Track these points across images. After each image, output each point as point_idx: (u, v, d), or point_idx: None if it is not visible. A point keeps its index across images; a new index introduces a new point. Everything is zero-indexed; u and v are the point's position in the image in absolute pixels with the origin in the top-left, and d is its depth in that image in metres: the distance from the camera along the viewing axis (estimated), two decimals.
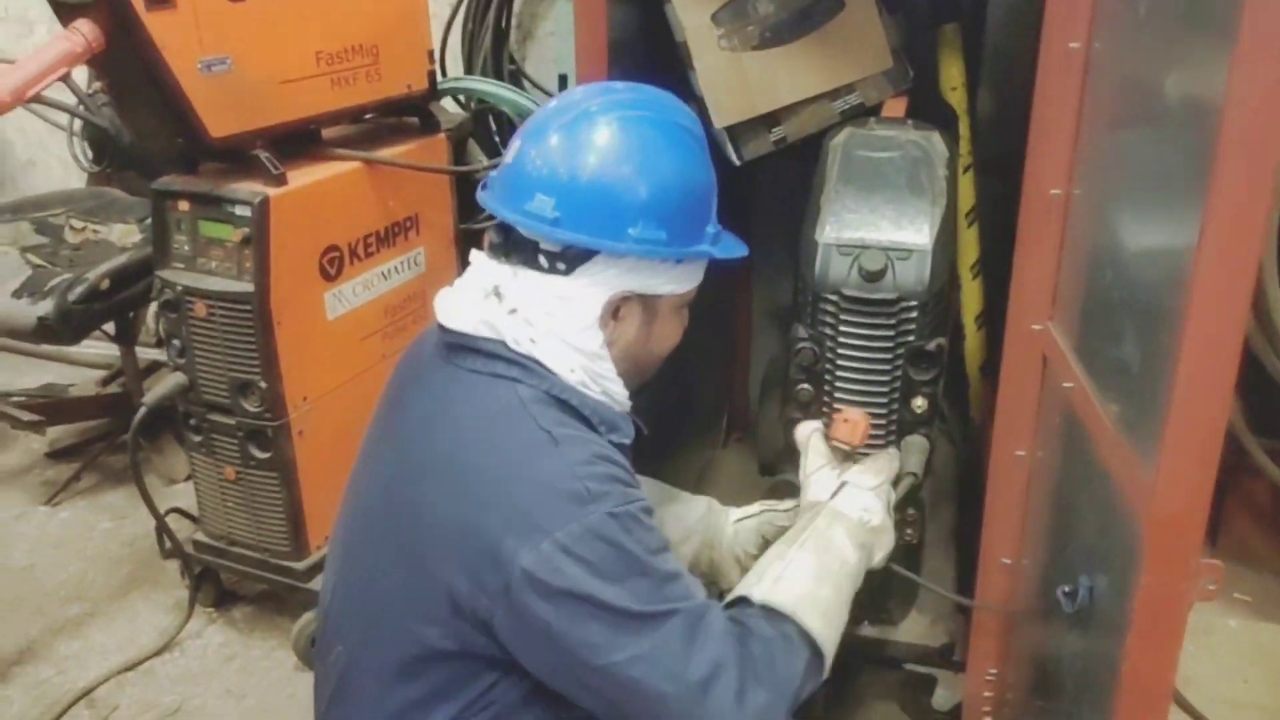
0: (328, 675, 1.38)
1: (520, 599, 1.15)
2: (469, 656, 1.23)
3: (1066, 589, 1.39)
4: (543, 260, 1.27)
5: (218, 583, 2.65)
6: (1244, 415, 2.42)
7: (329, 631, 1.39)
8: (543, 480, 1.19)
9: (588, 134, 1.27)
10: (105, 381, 3.62)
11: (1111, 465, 1.23)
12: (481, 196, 1.34)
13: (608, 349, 1.31)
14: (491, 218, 1.32)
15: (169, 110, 2.07)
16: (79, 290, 2.72)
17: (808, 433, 1.67)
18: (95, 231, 3.16)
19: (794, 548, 1.41)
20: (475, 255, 1.35)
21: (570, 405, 1.28)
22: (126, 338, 3.13)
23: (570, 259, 1.26)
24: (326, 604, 1.41)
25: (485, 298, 1.29)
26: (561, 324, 1.27)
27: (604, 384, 1.32)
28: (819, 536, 1.43)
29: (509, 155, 1.32)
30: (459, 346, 1.30)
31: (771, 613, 1.31)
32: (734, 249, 1.40)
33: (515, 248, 1.28)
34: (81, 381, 3.66)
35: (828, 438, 1.67)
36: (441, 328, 1.33)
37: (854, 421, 1.65)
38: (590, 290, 1.28)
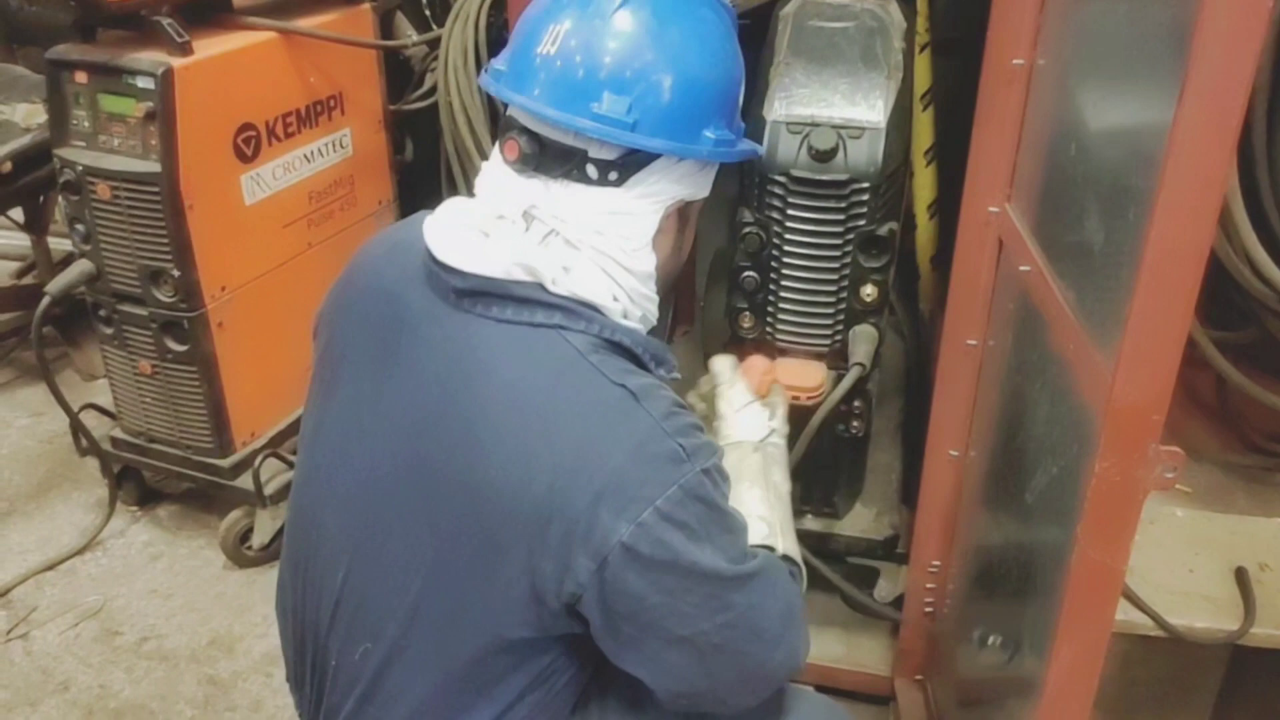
0: (353, 672, 1.20)
1: (616, 574, 1.03)
2: (539, 639, 1.12)
3: (992, 639, 1.46)
4: (591, 171, 1.09)
5: (140, 481, 2.55)
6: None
7: (346, 629, 1.20)
8: (635, 443, 1.04)
9: (660, 19, 1.10)
10: (20, 274, 3.43)
11: (1067, 351, 1.16)
12: (520, 99, 1.11)
13: (652, 262, 1.16)
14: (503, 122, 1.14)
15: None
16: None
17: (726, 366, 1.51)
18: None
19: (768, 498, 1.33)
20: (494, 166, 1.15)
21: (624, 347, 1.13)
22: (37, 226, 2.95)
23: (625, 168, 1.10)
24: (336, 595, 1.20)
25: (513, 224, 1.11)
26: (614, 244, 1.11)
27: (645, 307, 1.18)
28: (777, 489, 1.37)
29: (549, 42, 1.10)
30: (478, 293, 1.09)
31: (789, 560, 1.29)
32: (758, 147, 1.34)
33: (556, 157, 1.10)
34: None
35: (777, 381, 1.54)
36: (444, 267, 1.11)
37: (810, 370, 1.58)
38: (646, 203, 1.13)
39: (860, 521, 2.03)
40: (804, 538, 2.00)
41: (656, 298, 1.19)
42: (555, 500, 1.02)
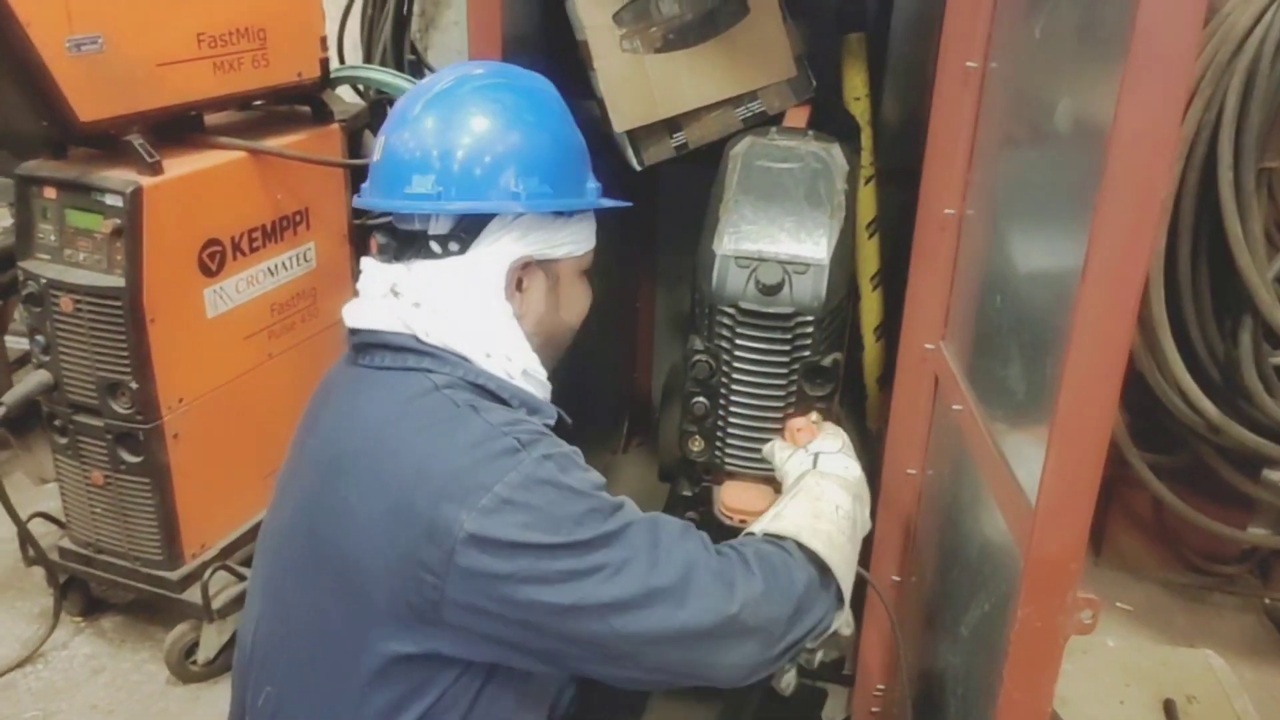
0: None
1: (467, 565, 1.07)
2: (416, 661, 1.14)
3: None
4: (435, 246, 1.23)
5: (86, 591, 2.51)
6: (1127, 428, 2.47)
7: (256, 674, 1.27)
8: (470, 443, 1.13)
9: (451, 108, 1.26)
10: None
11: (996, 494, 1.22)
12: (358, 201, 1.32)
13: (518, 322, 1.27)
14: (374, 222, 1.29)
15: (33, 91, 1.93)
16: None
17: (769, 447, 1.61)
18: None
19: (786, 500, 1.37)
20: (365, 262, 1.30)
21: (488, 390, 1.22)
22: None
23: (462, 237, 1.23)
24: (249, 648, 1.29)
25: (384, 298, 1.24)
26: (467, 304, 1.23)
27: (522, 361, 1.27)
28: (808, 490, 1.39)
29: (377, 151, 1.29)
30: (366, 345, 1.25)
31: (770, 537, 1.30)
32: (619, 203, 1.40)
33: (405, 243, 1.25)
34: None
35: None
36: (350, 332, 1.27)
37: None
38: (488, 262, 1.25)
39: None
40: None
41: (534, 353, 1.28)
42: (402, 511, 1.10)
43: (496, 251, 1.24)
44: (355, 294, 1.28)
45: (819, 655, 1.46)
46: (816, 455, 1.49)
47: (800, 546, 1.27)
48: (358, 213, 2.68)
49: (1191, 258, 2.26)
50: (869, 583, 1.56)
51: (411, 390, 1.18)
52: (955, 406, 1.44)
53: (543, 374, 1.31)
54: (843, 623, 1.34)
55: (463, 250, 1.23)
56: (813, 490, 1.38)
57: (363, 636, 1.15)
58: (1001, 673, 1.09)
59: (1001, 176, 1.37)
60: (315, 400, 1.34)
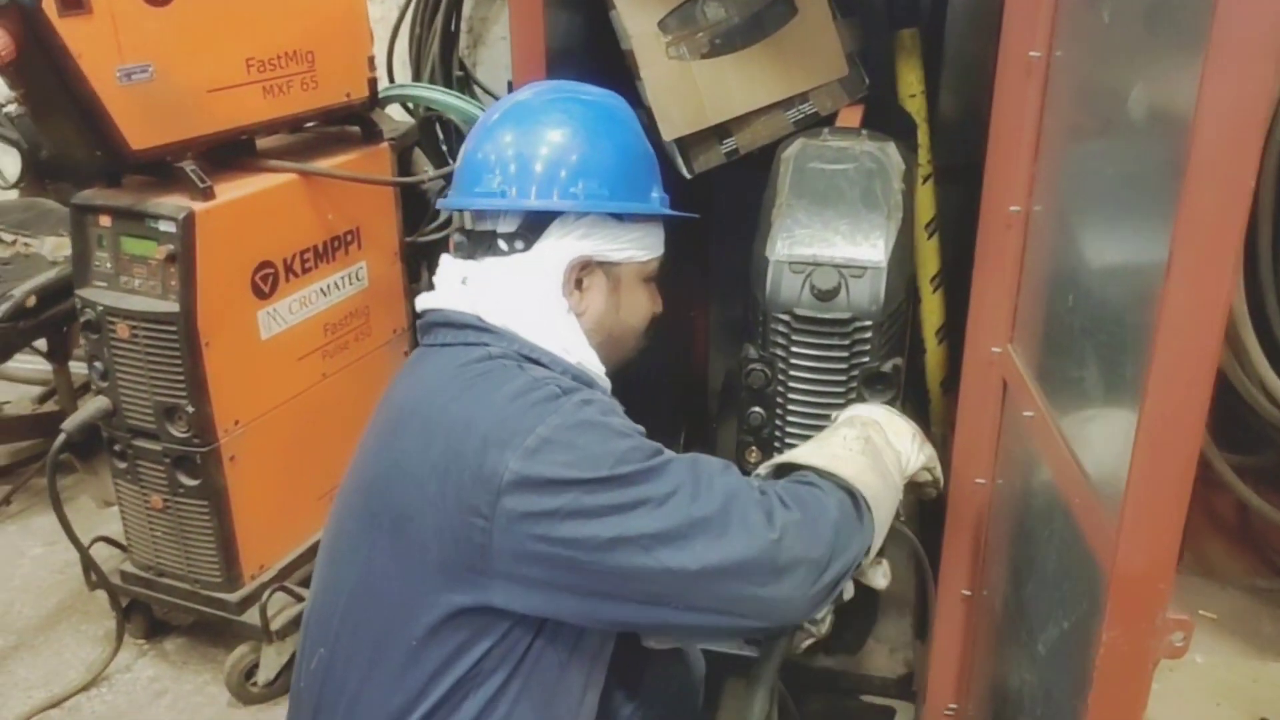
0: (310, 690, 1.30)
1: (514, 506, 1.11)
2: (465, 615, 1.17)
3: None
4: (502, 244, 1.31)
5: (149, 613, 2.53)
6: (1210, 430, 2.36)
7: (310, 639, 1.33)
8: (513, 394, 1.18)
9: (521, 116, 1.35)
10: (41, 399, 3.47)
11: (1074, 506, 1.15)
12: (440, 203, 1.45)
13: (576, 318, 1.32)
14: (454, 228, 1.38)
15: (86, 121, 1.95)
16: (4, 307, 2.58)
17: None
18: (26, 245, 3.01)
19: (801, 448, 1.39)
20: (443, 258, 1.39)
21: (541, 363, 1.27)
22: (59, 355, 2.99)
23: (526, 235, 1.31)
24: (307, 616, 1.36)
25: (455, 287, 1.33)
26: (529, 297, 1.29)
27: (578, 354, 1.31)
28: (826, 434, 1.42)
29: (459, 158, 1.39)
30: (431, 325, 1.33)
31: (786, 468, 1.34)
32: (682, 211, 1.44)
33: (477, 242, 1.34)
34: (16, 399, 3.51)
35: None
36: (419, 316, 1.36)
37: None
38: (549, 259, 1.31)
39: (874, 659, 1.99)
40: (816, 674, 1.98)
41: (593, 350, 1.33)
42: (450, 459, 1.15)
43: (558, 250, 1.31)
44: (416, 290, 1.36)
45: (806, 640, 1.44)
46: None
47: (822, 474, 1.30)
48: (409, 230, 2.68)
49: (1273, 247, 2.15)
50: (908, 538, 1.53)
51: (467, 358, 1.25)
52: (1026, 413, 1.37)
53: (599, 370, 1.34)
54: (879, 574, 1.39)
55: (527, 248, 1.31)
56: (822, 434, 1.43)
57: (414, 591, 1.18)
58: (1086, 699, 1.02)
59: (1070, 170, 1.30)
60: (386, 390, 1.39)
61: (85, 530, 2.65)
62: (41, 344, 3.05)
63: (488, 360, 1.24)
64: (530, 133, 1.33)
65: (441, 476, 1.15)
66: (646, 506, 1.12)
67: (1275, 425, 2.29)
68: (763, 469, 1.39)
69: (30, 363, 3.50)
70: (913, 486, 1.48)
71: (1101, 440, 1.13)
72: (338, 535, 1.32)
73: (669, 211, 1.42)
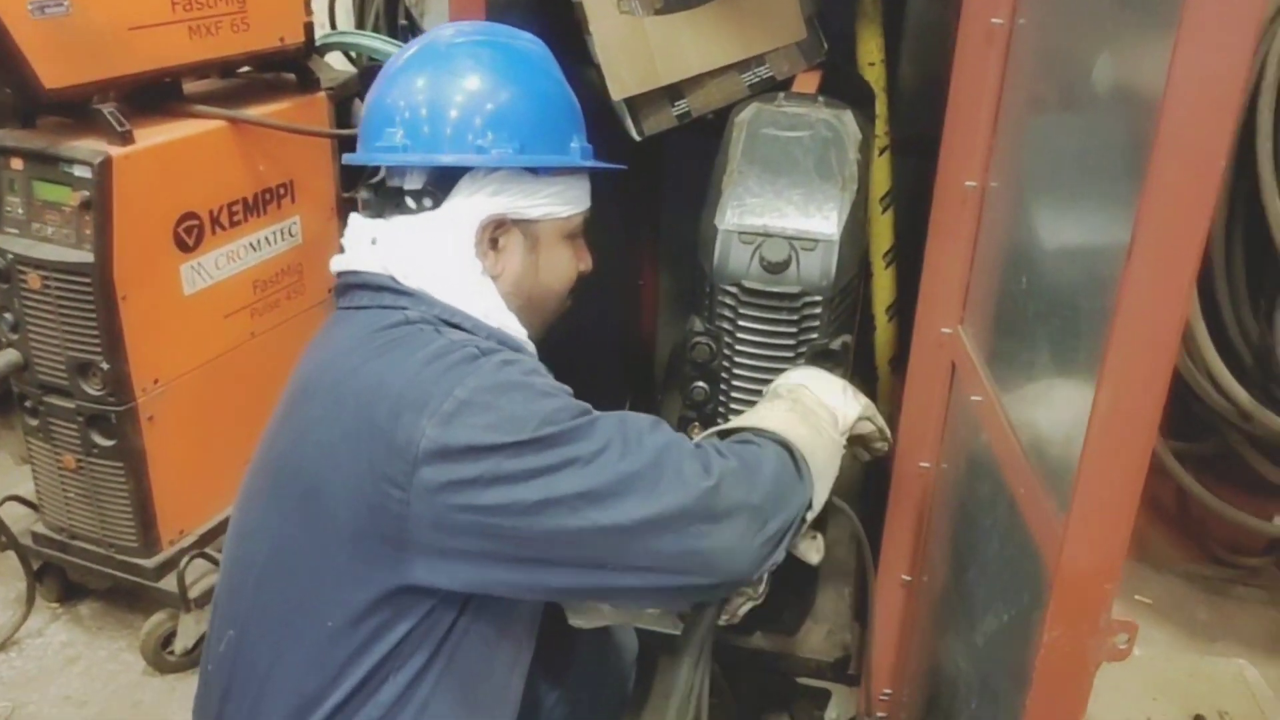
0: (219, 672, 1.21)
1: (432, 475, 1.03)
2: (385, 595, 1.09)
3: None
4: (409, 202, 1.22)
5: (63, 576, 2.42)
6: None
7: (219, 619, 1.24)
8: (429, 357, 1.10)
9: (424, 64, 1.26)
10: None
11: (1019, 497, 1.10)
12: (345, 157, 1.34)
13: (492, 281, 1.25)
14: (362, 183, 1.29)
15: None
16: None
17: None
18: None
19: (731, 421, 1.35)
20: (351, 216, 1.30)
21: (462, 328, 1.19)
22: None
23: (434, 193, 1.22)
24: (217, 594, 1.28)
25: (365, 247, 1.24)
26: (439, 257, 1.21)
27: (497, 319, 1.24)
28: (755, 408, 1.37)
29: (364, 107, 1.30)
30: (347, 287, 1.24)
31: (722, 433, 1.29)
32: (604, 163, 1.34)
33: (385, 199, 1.25)
34: None
35: None
36: (336, 277, 1.27)
37: None
38: (459, 218, 1.22)
39: (811, 640, 1.95)
40: (752, 655, 1.93)
41: (512, 314, 1.25)
42: (361, 426, 1.07)
43: (469, 208, 1.22)
44: (340, 249, 1.27)
45: (744, 604, 1.39)
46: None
47: (755, 432, 1.25)
48: (346, 184, 2.57)
49: (1225, 235, 2.13)
50: (849, 516, 1.48)
51: (382, 322, 1.17)
52: (974, 397, 1.32)
53: (521, 334, 1.26)
54: (813, 549, 1.33)
55: (435, 205, 1.22)
56: (761, 404, 1.39)
57: (327, 568, 1.11)
58: (1024, 698, 0.98)
59: (1029, 145, 1.25)
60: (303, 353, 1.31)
61: (1, 488, 2.54)
62: None
63: (404, 325, 1.15)
64: (434, 81, 1.24)
65: (353, 445, 1.07)
66: (574, 466, 1.05)
67: (1220, 413, 2.29)
68: (698, 439, 1.32)
69: None
70: (858, 441, 1.42)
71: (1050, 430, 1.08)
72: (246, 510, 1.24)
73: (589, 163, 1.32)
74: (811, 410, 1.31)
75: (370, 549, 1.08)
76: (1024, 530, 1.09)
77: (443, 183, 1.22)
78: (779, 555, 1.18)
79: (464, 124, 1.21)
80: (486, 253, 1.24)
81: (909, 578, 1.64)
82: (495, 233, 1.25)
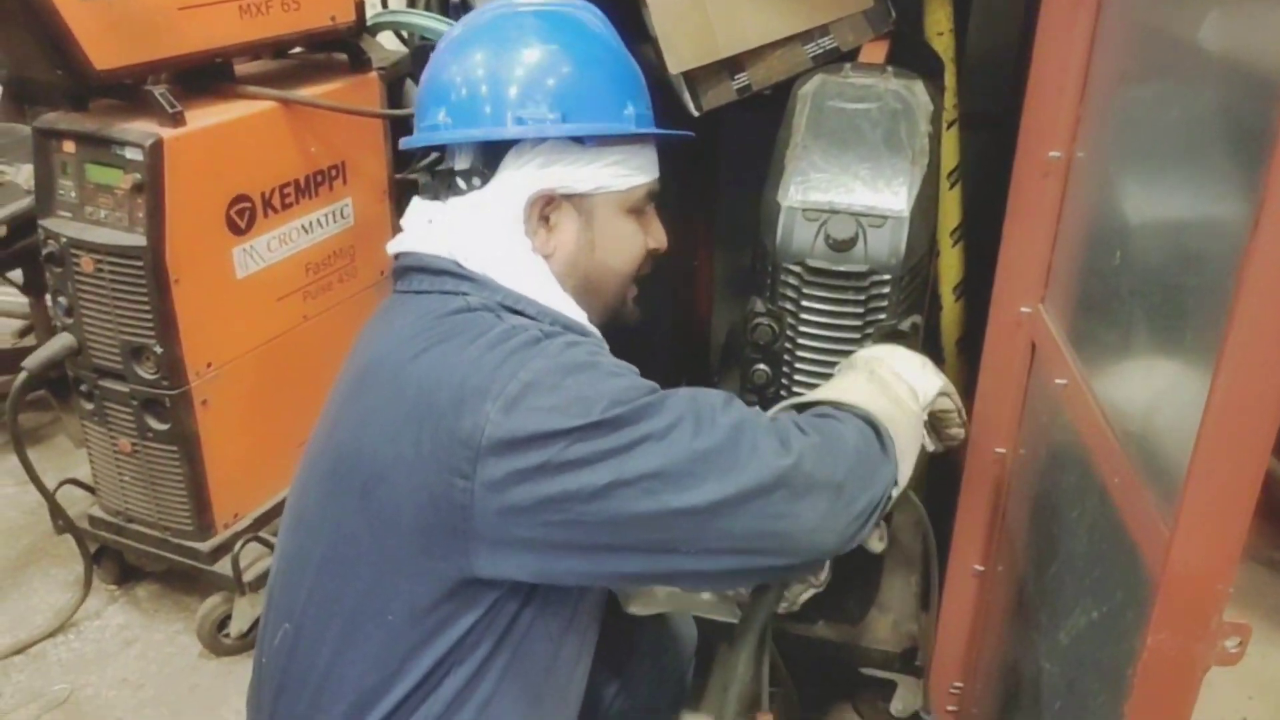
0: (273, 666, 1.18)
1: (497, 461, 0.99)
2: (446, 587, 1.06)
3: None
4: (460, 182, 1.19)
5: (120, 559, 2.43)
6: None
7: (274, 612, 1.21)
8: (491, 342, 1.06)
9: (469, 40, 1.22)
10: (22, 334, 3.36)
11: (1112, 489, 1.03)
12: (402, 142, 1.29)
13: (544, 260, 1.20)
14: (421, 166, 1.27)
15: (45, 38, 1.80)
16: None
17: None
18: (1, 172, 2.88)
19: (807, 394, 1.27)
20: (414, 200, 1.27)
21: (526, 315, 1.14)
22: (36, 287, 2.87)
23: (481, 171, 1.18)
24: (271, 585, 1.24)
25: (423, 229, 1.21)
26: (491, 238, 1.17)
27: (556, 303, 1.18)
28: (830, 380, 1.30)
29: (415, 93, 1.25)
30: (406, 270, 1.20)
31: (793, 410, 1.22)
32: (666, 128, 1.28)
33: (440, 181, 1.22)
34: None
35: None
36: (394, 259, 1.24)
37: None
38: (507, 195, 1.18)
39: (877, 631, 1.89)
40: (815, 645, 1.88)
41: (567, 295, 1.20)
42: (423, 412, 1.03)
43: (515, 184, 1.18)
44: (397, 230, 1.25)
45: (805, 592, 1.34)
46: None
47: (836, 405, 1.19)
48: (399, 166, 2.54)
49: None
50: (914, 504, 1.43)
51: (444, 308, 1.13)
52: (1058, 380, 1.24)
53: (581, 318, 1.20)
54: (875, 537, 1.24)
55: (484, 184, 1.18)
56: (826, 383, 1.31)
57: (389, 560, 1.07)
58: (1122, 707, 0.91)
59: (1124, 112, 1.16)
60: (358, 337, 1.26)
61: (60, 470, 2.56)
62: (18, 276, 2.94)
63: (466, 311, 1.11)
64: (476, 55, 1.19)
65: (415, 433, 1.03)
66: (646, 444, 1.00)
67: None
68: (770, 413, 1.25)
69: (12, 295, 3.38)
70: (934, 422, 1.32)
71: (1150, 416, 1.00)
72: (303, 499, 1.20)
73: (646, 130, 1.25)
74: (889, 384, 1.23)
75: (434, 540, 1.04)
76: (1118, 523, 1.01)
77: (489, 160, 1.18)
78: (865, 533, 1.12)
79: (501, 96, 1.17)
80: (536, 230, 1.20)
81: (982, 567, 1.57)
82: (546, 209, 1.20)
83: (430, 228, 1.19)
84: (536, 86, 1.17)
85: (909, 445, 1.18)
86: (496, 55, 1.19)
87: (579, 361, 1.05)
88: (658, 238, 1.31)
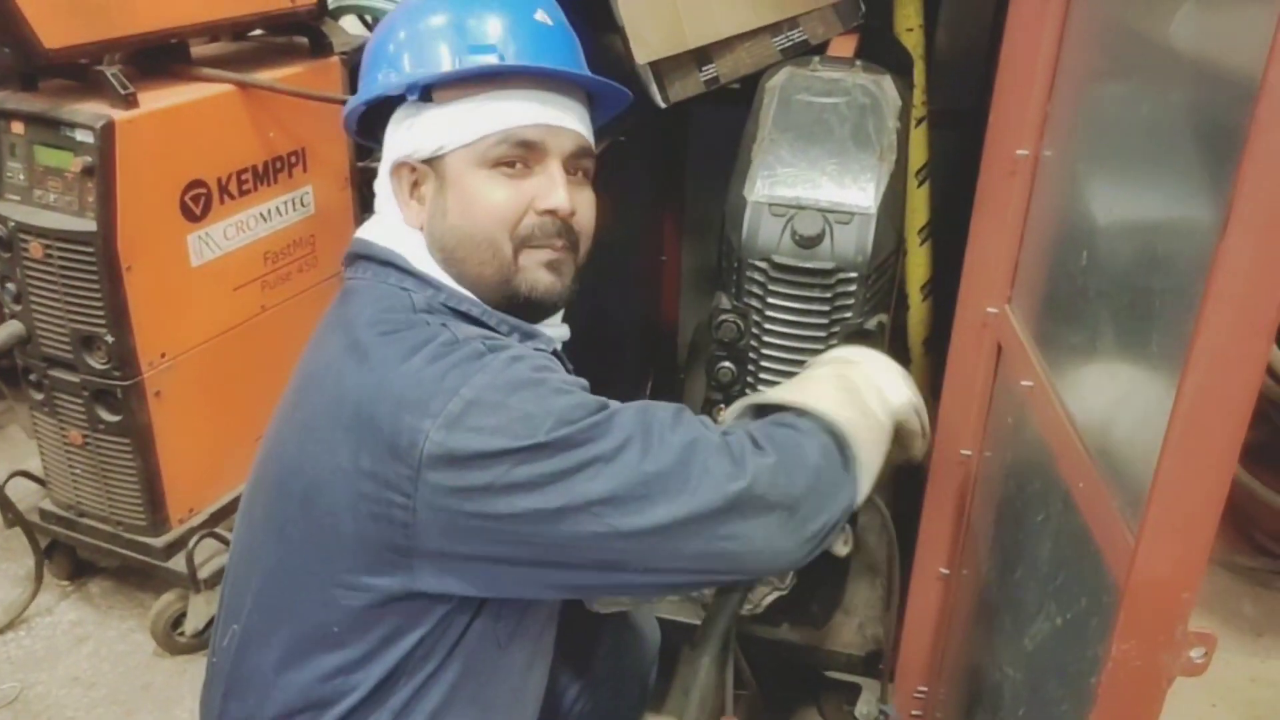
0: (221, 666, 1.15)
1: (438, 481, 0.95)
2: (390, 601, 1.03)
3: None
4: (375, 162, 1.20)
5: (72, 553, 2.37)
6: None
7: (225, 612, 1.18)
8: (434, 355, 1.00)
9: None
10: None
11: (1077, 493, 1.01)
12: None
13: (419, 234, 1.14)
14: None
15: None
16: None
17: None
18: None
19: (774, 389, 1.22)
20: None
21: (471, 316, 1.10)
22: None
23: (377, 148, 1.19)
24: (224, 584, 1.21)
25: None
26: (385, 217, 1.16)
27: (447, 270, 1.13)
28: (800, 375, 1.24)
29: None
30: (354, 256, 1.16)
31: (759, 410, 1.17)
32: (468, 69, 1.11)
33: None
34: None
35: None
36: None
37: None
38: (384, 169, 1.17)
39: (842, 634, 1.87)
40: (780, 648, 1.86)
41: (444, 274, 1.12)
42: (363, 425, 0.99)
43: (386, 156, 1.16)
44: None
45: (769, 595, 1.33)
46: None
47: (800, 413, 1.11)
48: (361, 154, 2.49)
49: None
50: (877, 508, 1.38)
51: (387, 304, 1.08)
52: (1024, 381, 1.23)
53: (468, 298, 1.11)
54: (840, 541, 1.19)
55: (381, 161, 1.18)
56: (796, 377, 1.25)
57: (331, 571, 1.03)
58: (1086, 717, 0.89)
59: (1092, 109, 1.14)
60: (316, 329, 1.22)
61: (13, 461, 2.50)
62: None
63: (409, 313, 1.06)
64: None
65: (354, 446, 0.99)
66: (593, 467, 0.96)
67: (1271, 399, 2.18)
68: (732, 410, 1.22)
69: None
70: (897, 439, 1.22)
71: (1115, 420, 0.99)
72: (252, 500, 1.16)
73: (479, 69, 1.10)
74: (859, 390, 1.16)
75: (374, 555, 1.01)
76: (1082, 529, 1.00)
77: (379, 134, 1.17)
78: (819, 551, 1.08)
79: (373, 59, 1.16)
80: (408, 202, 1.14)
81: (947, 571, 1.55)
82: (411, 178, 1.13)
83: (376, 214, 1.17)
84: (386, 46, 1.14)
85: (872, 459, 1.12)
86: (390, 19, 1.18)
87: (524, 378, 1.00)
88: (547, 197, 1.11)
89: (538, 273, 1.13)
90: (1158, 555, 0.79)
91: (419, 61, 1.12)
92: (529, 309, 1.14)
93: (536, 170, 1.12)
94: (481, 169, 1.10)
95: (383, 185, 1.17)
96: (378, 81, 1.13)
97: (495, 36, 1.12)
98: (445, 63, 1.11)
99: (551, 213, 1.12)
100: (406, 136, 1.12)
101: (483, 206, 1.10)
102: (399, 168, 1.14)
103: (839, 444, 1.09)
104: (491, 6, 1.14)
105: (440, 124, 1.10)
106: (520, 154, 1.11)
